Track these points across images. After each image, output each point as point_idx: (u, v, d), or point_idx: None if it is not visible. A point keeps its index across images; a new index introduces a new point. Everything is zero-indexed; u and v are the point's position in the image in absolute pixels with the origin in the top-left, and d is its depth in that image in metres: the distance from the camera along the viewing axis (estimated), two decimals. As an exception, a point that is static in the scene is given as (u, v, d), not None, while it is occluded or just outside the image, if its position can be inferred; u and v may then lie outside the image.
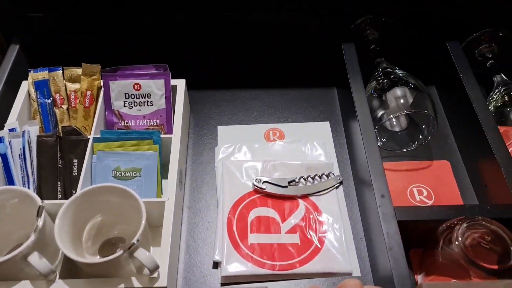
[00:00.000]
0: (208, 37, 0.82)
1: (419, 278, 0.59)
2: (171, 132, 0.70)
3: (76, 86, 0.72)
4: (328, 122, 0.80)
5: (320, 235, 0.64)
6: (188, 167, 0.74)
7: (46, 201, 0.54)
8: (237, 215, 0.66)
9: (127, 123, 0.72)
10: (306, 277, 0.60)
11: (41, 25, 0.79)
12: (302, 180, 0.69)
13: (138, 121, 0.72)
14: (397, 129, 0.77)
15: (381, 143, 0.73)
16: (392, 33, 0.80)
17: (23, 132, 0.64)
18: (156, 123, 0.72)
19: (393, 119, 0.76)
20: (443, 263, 0.54)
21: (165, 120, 0.72)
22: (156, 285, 0.53)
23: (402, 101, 0.70)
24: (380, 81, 0.73)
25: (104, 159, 0.65)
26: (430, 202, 0.68)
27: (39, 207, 0.52)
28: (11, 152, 0.63)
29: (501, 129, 0.67)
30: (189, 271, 0.62)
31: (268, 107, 0.82)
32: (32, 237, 0.50)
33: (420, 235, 0.58)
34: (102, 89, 0.71)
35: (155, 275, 0.53)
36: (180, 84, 0.74)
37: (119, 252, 0.50)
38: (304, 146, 0.75)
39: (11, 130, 0.64)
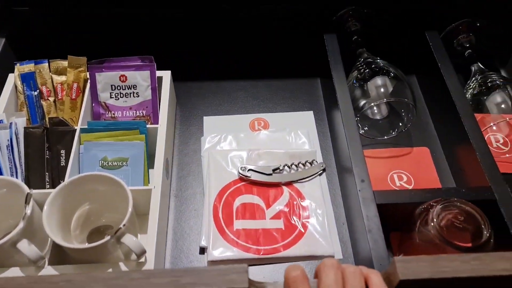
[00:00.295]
0: (193, 29, 0.83)
1: (398, 259, 0.61)
2: (157, 123, 0.71)
3: (63, 78, 0.73)
4: (311, 112, 0.81)
5: (303, 220, 0.66)
6: (175, 157, 0.75)
7: (34, 191, 0.55)
8: (223, 202, 0.67)
9: (113, 114, 0.73)
10: (290, 260, 0.62)
11: (26, 19, 0.79)
12: (286, 167, 0.71)
13: (124, 112, 0.73)
14: (378, 117, 0.79)
15: (363, 131, 0.75)
16: (374, 24, 0.82)
17: (10, 123, 0.65)
18: (143, 114, 0.73)
19: (374, 108, 0.78)
20: (420, 244, 0.56)
21: (151, 111, 0.73)
22: (144, 268, 0.54)
23: (382, 90, 0.72)
24: (362, 71, 0.75)
25: (91, 149, 0.65)
26: (410, 187, 0.71)
27: (27, 194, 0.53)
28: (-1, 143, 0.64)
29: (478, 116, 0.70)
30: (176, 256, 0.64)
31: (253, 97, 0.84)
32: (21, 225, 0.51)
33: (400, 218, 0.60)
34: (89, 81, 0.72)
35: (142, 259, 0.54)
36: (166, 75, 0.75)
37: (106, 238, 0.51)
38: (288, 135, 0.77)
39: (-2, 122, 0.65)
